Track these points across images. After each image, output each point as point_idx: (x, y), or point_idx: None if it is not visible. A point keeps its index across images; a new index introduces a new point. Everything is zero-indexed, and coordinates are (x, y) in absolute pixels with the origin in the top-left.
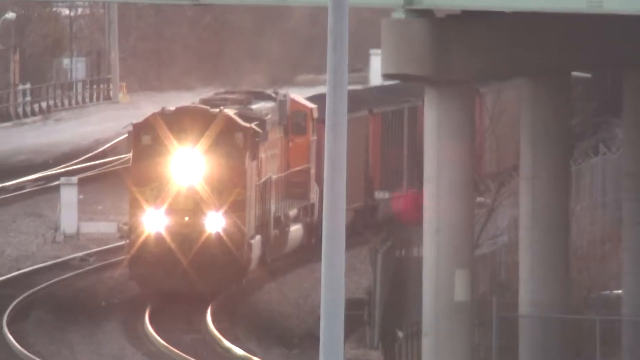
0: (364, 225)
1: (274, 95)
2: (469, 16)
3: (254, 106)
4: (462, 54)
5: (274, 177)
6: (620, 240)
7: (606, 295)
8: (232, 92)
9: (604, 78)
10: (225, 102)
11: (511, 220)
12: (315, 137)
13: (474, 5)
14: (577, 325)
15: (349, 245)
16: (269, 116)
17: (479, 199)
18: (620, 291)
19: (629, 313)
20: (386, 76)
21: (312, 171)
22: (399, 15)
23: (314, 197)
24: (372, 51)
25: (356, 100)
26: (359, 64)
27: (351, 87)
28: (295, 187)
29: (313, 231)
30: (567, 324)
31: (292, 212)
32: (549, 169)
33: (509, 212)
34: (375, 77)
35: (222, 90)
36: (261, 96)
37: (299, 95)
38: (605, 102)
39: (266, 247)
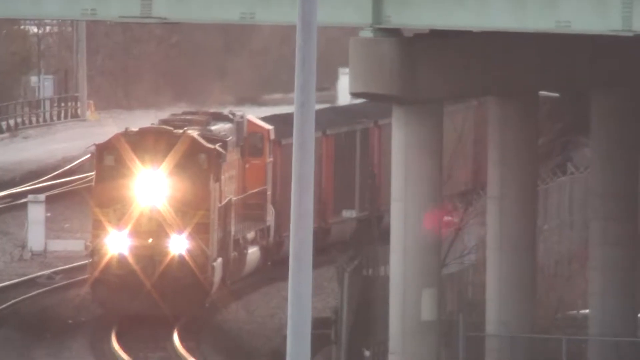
0: (315, 249)
1: (231, 116)
2: (437, 36)
3: (213, 127)
4: (430, 73)
5: (234, 199)
6: (587, 260)
7: (573, 315)
8: (190, 113)
9: (572, 98)
10: (185, 123)
11: (478, 240)
12: (271, 159)
13: (443, 24)
14: (543, 345)
15: (316, 264)
16: (230, 137)
17: (447, 218)
18: (586, 311)
19: (596, 333)
20: (354, 95)
21: (269, 193)
22: (367, 34)
23: (270, 219)
24: (340, 70)
25: None
26: (326, 83)
27: (317, 107)
28: (253, 209)
29: (269, 253)
30: (533, 344)
31: (250, 235)
32: (517, 189)
33: (476, 232)
34: (343, 96)
35: (179, 111)
36: (219, 117)
37: (254, 116)
38: (573, 121)
39: (226, 270)
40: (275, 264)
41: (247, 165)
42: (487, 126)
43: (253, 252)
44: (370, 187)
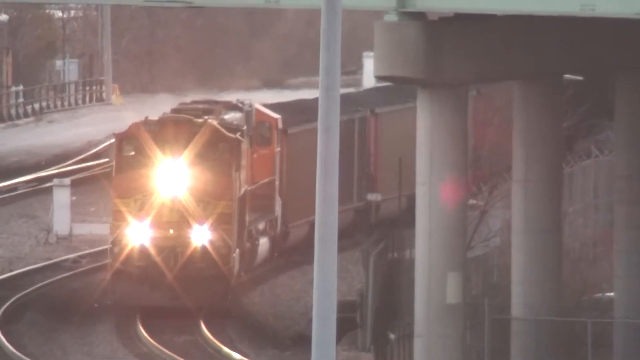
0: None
1: (240, 105)
2: (461, 19)
3: (226, 116)
4: (455, 56)
5: (249, 189)
6: (612, 243)
7: (598, 298)
8: (200, 102)
9: (597, 80)
10: (199, 112)
11: (503, 223)
12: (279, 149)
13: (467, 8)
14: (569, 328)
15: (342, 248)
16: (244, 127)
17: (472, 202)
18: (612, 294)
19: (621, 315)
20: (379, 78)
21: (277, 183)
22: (392, 17)
23: (277, 209)
24: (365, 53)
25: (310, 111)
26: (352, 67)
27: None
28: (263, 199)
29: (277, 244)
30: (559, 326)
31: (261, 225)
32: (542, 172)
33: (501, 215)
34: (369, 79)
35: (187, 100)
36: (229, 106)
37: (261, 105)
38: (597, 104)
39: (242, 261)
40: (282, 255)
41: (255, 155)
42: (485, 115)
43: (263, 242)
44: (366, 177)
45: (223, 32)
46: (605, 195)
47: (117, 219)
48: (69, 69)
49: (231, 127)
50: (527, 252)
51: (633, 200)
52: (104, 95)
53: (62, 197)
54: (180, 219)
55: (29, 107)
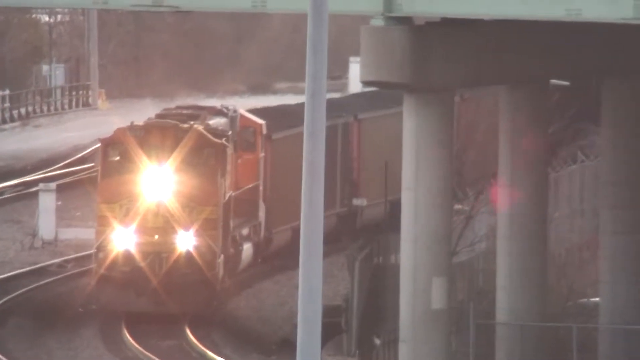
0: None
1: (225, 110)
2: (448, 24)
3: (211, 122)
4: (441, 61)
5: (233, 194)
6: (598, 248)
7: (583, 303)
8: (185, 108)
9: (583, 85)
10: (182, 118)
11: (489, 228)
12: (263, 154)
13: (454, 12)
14: (554, 333)
15: (327, 252)
16: (229, 132)
17: (457, 207)
18: (597, 299)
19: (606, 321)
20: (365, 83)
21: (261, 189)
22: (378, 22)
23: (261, 215)
24: (351, 58)
25: (293, 116)
26: (338, 72)
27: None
28: (246, 205)
29: (260, 250)
30: (544, 332)
31: (244, 231)
32: (527, 177)
33: (486, 220)
34: (355, 84)
35: (172, 106)
36: (214, 111)
37: (246, 110)
38: (583, 109)
39: (226, 267)
40: (265, 260)
41: (239, 161)
42: (472, 120)
43: (247, 248)
44: (349, 182)
45: (210, 38)
46: (591, 201)
47: (102, 224)
48: (55, 73)
49: (216, 133)
50: (513, 257)
51: (619, 206)
52: (90, 100)
53: (47, 201)
54: (165, 225)
55: (15, 112)
